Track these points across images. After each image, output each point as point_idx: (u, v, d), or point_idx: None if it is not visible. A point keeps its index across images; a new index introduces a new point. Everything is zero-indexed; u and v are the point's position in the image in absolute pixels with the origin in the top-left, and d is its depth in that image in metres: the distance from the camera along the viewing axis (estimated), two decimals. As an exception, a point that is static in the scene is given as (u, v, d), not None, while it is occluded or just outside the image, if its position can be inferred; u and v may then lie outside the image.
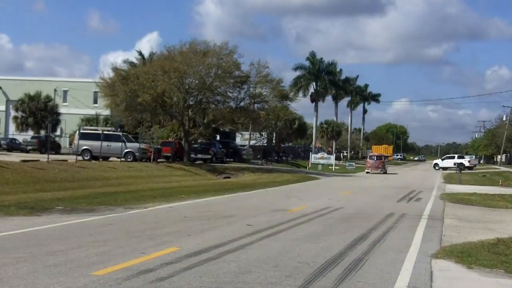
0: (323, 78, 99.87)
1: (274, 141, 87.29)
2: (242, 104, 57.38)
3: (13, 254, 11.37)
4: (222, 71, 53.23)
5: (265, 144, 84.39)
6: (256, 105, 60.32)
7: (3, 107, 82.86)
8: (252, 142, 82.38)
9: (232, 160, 66.30)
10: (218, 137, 71.64)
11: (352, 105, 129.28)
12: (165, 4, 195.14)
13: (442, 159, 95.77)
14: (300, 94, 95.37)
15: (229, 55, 53.99)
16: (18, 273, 9.64)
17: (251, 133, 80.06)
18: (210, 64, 53.44)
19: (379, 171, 66.96)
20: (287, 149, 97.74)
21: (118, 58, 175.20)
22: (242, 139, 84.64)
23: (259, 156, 75.40)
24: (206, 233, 15.16)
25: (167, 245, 12.94)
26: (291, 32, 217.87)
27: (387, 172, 69.06)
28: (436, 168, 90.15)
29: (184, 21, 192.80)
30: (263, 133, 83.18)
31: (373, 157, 71.66)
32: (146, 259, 11.18)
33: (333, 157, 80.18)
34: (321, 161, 75.11)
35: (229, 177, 47.81)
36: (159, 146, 53.10)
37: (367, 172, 66.33)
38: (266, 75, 55.94)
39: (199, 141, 61.71)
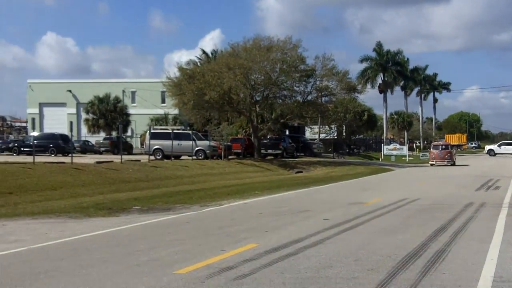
0: (391, 68, 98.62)
1: (344, 134, 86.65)
2: (309, 97, 57.10)
3: (96, 255, 11.52)
4: (287, 65, 53.03)
5: (335, 137, 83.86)
6: (323, 98, 59.96)
7: (74, 110, 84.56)
8: (322, 136, 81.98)
9: (302, 154, 66.02)
10: (287, 132, 71.50)
11: (422, 95, 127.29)
12: (226, 1, 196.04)
13: (499, 145, 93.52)
14: (368, 85, 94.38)
15: (293, 49, 53.76)
16: (102, 274, 9.75)
17: (320, 126, 79.67)
18: (274, 59, 53.30)
19: (445, 162, 57.04)
20: (358, 142, 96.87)
21: (182, 56, 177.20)
22: (311, 133, 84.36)
23: (330, 149, 74.97)
24: (283, 228, 15.07)
25: (246, 241, 12.90)
26: (354, 24, 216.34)
27: (456, 163, 58.80)
28: (491, 154, 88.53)
29: (246, 17, 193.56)
30: (333, 126, 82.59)
31: (438, 146, 60.45)
32: (226, 257, 11.15)
33: (405, 147, 79.00)
34: (394, 152, 74.04)
35: (301, 172, 47.68)
36: (229, 143, 53.33)
37: (432, 165, 57.62)
38: (332, 67, 55.51)
39: (268, 136, 61.71)
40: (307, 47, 62.26)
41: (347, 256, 11.25)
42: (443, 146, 60.49)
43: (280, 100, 57.88)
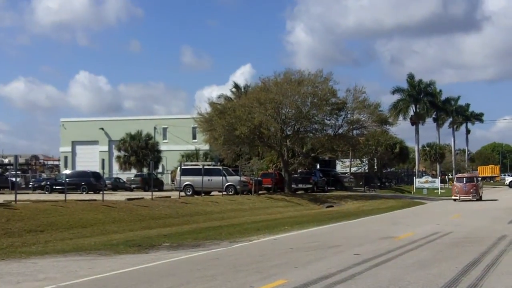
0: (423, 100, 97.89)
1: (375, 167, 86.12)
2: (340, 131, 56.92)
3: (125, 292, 11.51)
4: (318, 99, 53.06)
5: (367, 171, 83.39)
6: (354, 131, 59.67)
7: (106, 148, 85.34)
8: (353, 169, 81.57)
9: (333, 188, 65.65)
10: (318, 166, 71.26)
11: (454, 126, 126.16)
12: (256, 36, 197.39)
13: None
14: (400, 117, 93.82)
15: (324, 83, 53.82)
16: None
17: (352, 160, 79.34)
18: (305, 93, 53.37)
19: (470, 197, 50.58)
20: (390, 175, 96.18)
21: (213, 92, 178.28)
22: (342, 166, 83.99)
23: (361, 183, 74.47)
24: (313, 264, 14.94)
25: (275, 277, 12.81)
26: (384, 55, 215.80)
27: (483, 198, 53.09)
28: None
29: (276, 52, 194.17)
30: (364, 160, 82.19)
31: (462, 179, 53.57)
32: (255, 293, 11.10)
33: (438, 180, 78.22)
34: (426, 185, 73.30)
35: (332, 206, 47.42)
36: (259, 178, 53.29)
37: (455, 200, 51.06)
38: (363, 100, 55.34)
39: (299, 170, 61.51)
40: (338, 79, 62.11)
41: (377, 291, 11.13)
42: (468, 179, 53.55)
43: (311, 134, 57.82)
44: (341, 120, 56.36)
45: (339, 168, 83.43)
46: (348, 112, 56.07)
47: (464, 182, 52.18)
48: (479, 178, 60.79)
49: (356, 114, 56.45)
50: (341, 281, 12.29)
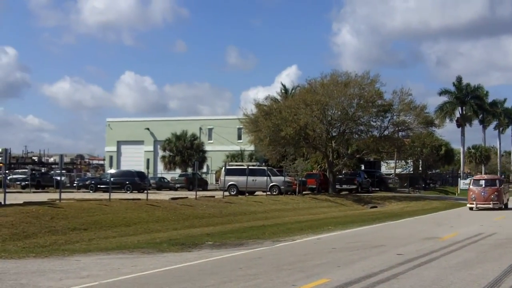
0: (470, 102, 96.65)
1: (420, 168, 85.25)
2: (386, 132, 56.53)
3: (167, 289, 11.51)
4: (365, 100, 52.81)
5: (411, 172, 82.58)
6: (400, 133, 59.20)
7: (151, 148, 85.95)
8: (398, 171, 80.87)
9: (378, 189, 65.24)
10: (362, 167, 70.86)
11: (500, 128, 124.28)
12: (302, 37, 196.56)
13: None
14: (446, 119, 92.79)
15: (371, 84, 53.54)
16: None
17: (397, 161, 78.65)
18: (352, 95, 53.17)
19: (490, 205, 38.63)
20: (435, 176, 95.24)
21: (258, 93, 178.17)
22: (387, 167, 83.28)
23: (405, 184, 73.81)
24: (356, 263, 14.80)
25: (317, 277, 12.71)
26: (431, 57, 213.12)
27: (509, 205, 41.60)
28: None
29: (322, 53, 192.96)
30: (409, 161, 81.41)
31: (479, 182, 41.10)
32: (297, 292, 11.01)
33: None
34: (471, 187, 71.95)
35: (376, 207, 47.09)
36: (303, 179, 53.10)
37: (471, 209, 39.36)
38: (410, 102, 54.88)
39: (343, 171, 61.23)
40: (384, 81, 61.21)
41: (420, 291, 10.97)
42: (488, 182, 40.71)
43: (357, 135, 57.57)
44: (387, 122, 56.03)
45: (384, 169, 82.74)
46: (394, 114, 55.69)
47: (483, 186, 39.81)
48: (503, 181, 47.53)
49: (402, 116, 56.04)
50: (384, 281, 12.17)
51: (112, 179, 41.47)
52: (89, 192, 48.42)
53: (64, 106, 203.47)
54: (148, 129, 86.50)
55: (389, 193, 61.64)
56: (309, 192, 53.63)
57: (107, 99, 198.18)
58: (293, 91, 70.60)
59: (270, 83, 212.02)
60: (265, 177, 47.85)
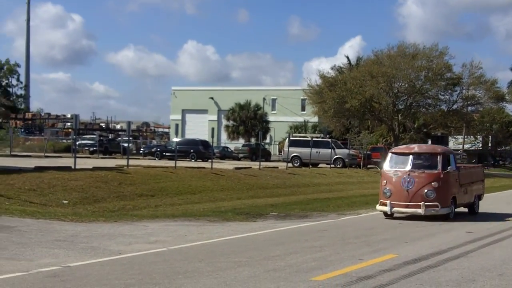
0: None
1: (489, 145, 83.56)
2: (454, 107, 55.53)
3: (233, 258, 11.54)
4: (433, 73, 51.84)
5: (480, 148, 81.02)
6: (469, 107, 58.03)
7: (215, 117, 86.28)
8: (466, 146, 79.42)
9: (444, 165, 64.06)
10: (429, 142, 69.78)
11: None
12: (366, 7, 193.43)
13: None
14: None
15: (439, 57, 52.51)
16: (239, 277, 9.71)
17: (465, 136, 77.25)
18: (419, 67, 52.24)
19: (420, 210, 18.71)
20: (504, 153, 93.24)
21: (320, 64, 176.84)
22: (455, 143, 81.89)
23: (473, 160, 72.41)
24: (424, 240, 14.62)
25: (384, 252, 12.59)
26: (500, 30, 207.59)
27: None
28: None
29: (387, 24, 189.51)
30: (478, 137, 79.88)
31: (403, 160, 20.05)
32: (364, 266, 10.90)
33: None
34: (542, 164, 70.24)
35: (442, 183, 46.23)
36: (368, 152, 52.63)
37: (386, 214, 19.77)
38: (480, 76, 53.76)
39: (409, 146, 60.38)
40: (453, 54, 59.64)
41: (490, 270, 10.76)
42: (420, 160, 19.96)
43: (424, 109, 56.67)
44: (456, 96, 55.02)
45: (452, 144, 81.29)
46: (463, 88, 54.64)
47: (409, 168, 19.55)
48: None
49: (472, 90, 54.96)
50: (453, 258, 11.96)
51: (177, 147, 41.79)
52: (154, 159, 48.92)
53: (128, 74, 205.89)
54: (212, 98, 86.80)
55: (456, 169, 60.45)
56: (374, 166, 53.12)
57: (170, 67, 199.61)
58: (357, 62, 69.74)
59: (333, 54, 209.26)
60: (329, 149, 47.57)
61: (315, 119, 68.12)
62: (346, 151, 48.66)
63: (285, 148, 48.75)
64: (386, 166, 20.13)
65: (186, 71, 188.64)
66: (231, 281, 9.36)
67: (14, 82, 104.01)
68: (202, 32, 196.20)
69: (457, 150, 75.33)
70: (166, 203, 23.07)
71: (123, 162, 33.98)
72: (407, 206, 18.97)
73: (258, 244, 13.53)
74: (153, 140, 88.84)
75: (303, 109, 77.77)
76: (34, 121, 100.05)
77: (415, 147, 20.94)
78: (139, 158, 48.27)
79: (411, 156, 19.82)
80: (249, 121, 70.55)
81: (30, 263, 10.58)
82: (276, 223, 18.08)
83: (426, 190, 18.85)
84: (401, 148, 22.16)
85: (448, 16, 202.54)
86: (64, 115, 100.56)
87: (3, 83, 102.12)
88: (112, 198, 22.20)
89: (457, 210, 20.06)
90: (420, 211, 18.62)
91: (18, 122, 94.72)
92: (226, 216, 19.52)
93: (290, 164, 44.24)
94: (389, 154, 20.83)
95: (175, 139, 60.99)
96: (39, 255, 11.34)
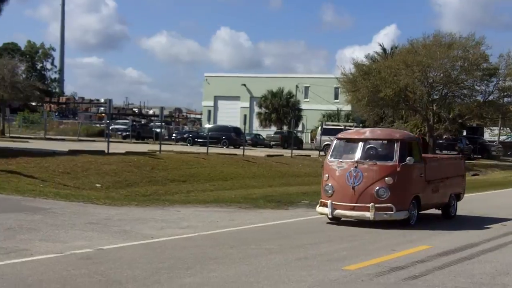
0: None
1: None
2: (490, 97, 54.68)
3: (265, 245, 11.51)
4: (469, 63, 51.05)
5: (516, 140, 80.00)
6: (506, 99, 57.20)
7: (247, 104, 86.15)
8: (502, 138, 78.48)
9: (479, 156, 63.43)
10: (464, 133, 69.09)
11: None
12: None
13: None
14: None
15: (476, 47, 51.67)
16: (270, 264, 9.70)
17: (501, 128, 76.33)
18: (455, 57, 51.50)
19: (369, 214, 14.25)
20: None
21: (354, 53, 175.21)
22: (491, 134, 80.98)
23: (509, 152, 71.66)
24: (458, 231, 14.52)
25: (418, 242, 12.50)
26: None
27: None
28: None
29: (422, 13, 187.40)
30: (514, 128, 78.87)
31: (350, 149, 15.66)
32: (397, 256, 10.83)
33: None
34: None
35: (478, 174, 45.92)
36: (402, 142, 52.07)
37: (330, 218, 15.09)
38: (517, 67, 52.80)
39: (444, 136, 59.80)
40: (490, 44, 58.80)
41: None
42: (372, 148, 15.38)
43: (459, 99, 55.86)
44: (492, 87, 54.05)
45: (487, 136, 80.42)
46: (500, 79, 53.75)
47: (358, 158, 15.00)
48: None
49: (508, 81, 54.01)
50: (487, 251, 11.86)
51: (209, 133, 41.88)
52: (186, 145, 49.09)
53: (161, 59, 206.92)
54: (244, 85, 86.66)
55: (491, 161, 59.93)
56: (408, 155, 52.58)
57: (202, 54, 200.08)
58: (392, 51, 69.06)
59: (367, 42, 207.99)
60: (362, 138, 47.17)
61: (348, 107, 67.66)
62: (379, 140, 48.24)
63: (318, 137, 48.62)
64: (330, 155, 15.55)
65: (218, 57, 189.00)
66: (262, 268, 9.35)
67: (48, 66, 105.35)
68: (235, 19, 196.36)
69: (493, 141, 74.66)
70: (198, 189, 23.14)
71: (155, 147, 34.13)
72: (352, 208, 14.53)
73: (289, 232, 13.48)
74: (185, 126, 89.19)
75: (336, 97, 77.32)
76: (68, 105, 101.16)
77: (367, 132, 16.18)
78: (171, 144, 48.46)
79: (361, 143, 15.22)
80: (281, 108, 70.36)
81: (63, 245, 10.68)
82: (307, 211, 17.99)
83: (377, 188, 14.39)
84: (350, 132, 17.16)
85: (485, 6, 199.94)
86: (97, 100, 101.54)
87: (38, 67, 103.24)
88: (144, 183, 22.33)
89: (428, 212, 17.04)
90: (369, 214, 14.21)
91: (52, 105, 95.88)
92: (257, 203, 19.49)
93: (322, 153, 44.05)
94: (334, 141, 16.03)
95: (207, 126, 61.16)
96: (73, 237, 11.45)
